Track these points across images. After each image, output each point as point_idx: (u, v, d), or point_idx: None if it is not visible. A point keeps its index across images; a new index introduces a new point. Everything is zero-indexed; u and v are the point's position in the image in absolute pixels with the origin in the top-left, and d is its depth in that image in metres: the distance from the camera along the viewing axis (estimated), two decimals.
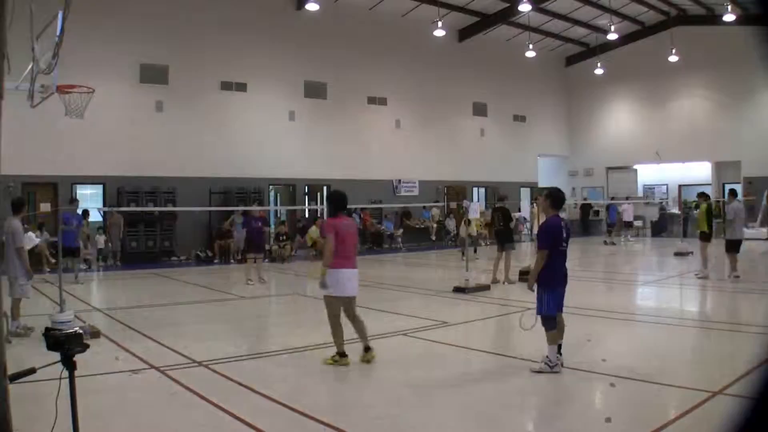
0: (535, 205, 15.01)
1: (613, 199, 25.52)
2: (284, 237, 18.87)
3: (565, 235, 5.89)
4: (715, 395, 4.89)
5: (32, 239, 8.01)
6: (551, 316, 5.78)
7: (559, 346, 5.87)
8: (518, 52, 25.80)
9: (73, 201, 13.99)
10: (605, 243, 22.51)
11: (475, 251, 18.63)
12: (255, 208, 14.17)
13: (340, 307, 6.21)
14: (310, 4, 19.53)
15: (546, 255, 5.79)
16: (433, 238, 23.91)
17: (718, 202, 25.03)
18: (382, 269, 17.25)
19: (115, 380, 5.75)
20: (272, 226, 20.38)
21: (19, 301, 7.77)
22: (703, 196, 13.57)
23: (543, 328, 5.79)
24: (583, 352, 5.91)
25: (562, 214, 6.21)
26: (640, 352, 6.77)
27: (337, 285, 6.11)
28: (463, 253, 18.26)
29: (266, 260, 17.18)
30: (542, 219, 6.72)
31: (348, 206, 6.61)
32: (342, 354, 6.16)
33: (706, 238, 12.69)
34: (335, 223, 6.18)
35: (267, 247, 18.93)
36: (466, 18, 24.87)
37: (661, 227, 26.26)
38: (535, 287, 5.88)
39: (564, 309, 5.96)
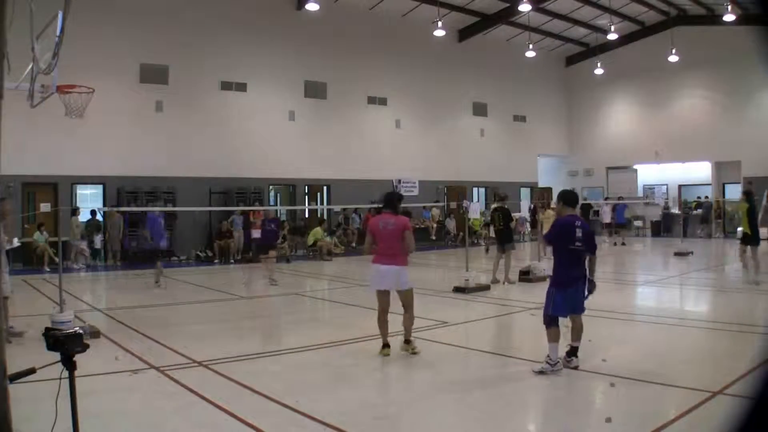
0: (533, 206, 15.00)
1: (621, 198, 25.50)
2: (283, 238, 18.88)
3: (580, 234, 5.83)
4: (715, 395, 4.89)
5: (13, 243, 7.96)
6: (552, 316, 5.76)
7: (576, 349, 5.87)
8: (518, 52, 25.80)
9: (158, 199, 14.02)
10: (615, 244, 22.36)
11: (487, 251, 18.64)
12: (269, 208, 14.34)
13: (383, 301, 6.59)
14: (310, 4, 19.52)
15: (548, 243, 5.90)
16: (433, 237, 23.90)
17: (719, 202, 25.11)
18: None
19: (115, 380, 5.75)
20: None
21: (6, 299, 7.50)
22: (746, 194, 12.13)
23: (545, 328, 5.79)
24: (583, 352, 5.91)
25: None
26: (640, 352, 6.77)
27: (370, 279, 6.74)
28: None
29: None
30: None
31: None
32: (384, 345, 6.56)
33: (746, 240, 11.73)
34: (372, 221, 6.86)
35: None
36: (466, 18, 24.87)
37: (665, 227, 26.26)
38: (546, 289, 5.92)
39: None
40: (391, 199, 6.74)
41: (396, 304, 6.67)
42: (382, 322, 6.58)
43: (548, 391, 5.38)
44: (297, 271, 15.99)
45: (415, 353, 6.50)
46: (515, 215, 16.23)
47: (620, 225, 23.43)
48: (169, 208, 17.92)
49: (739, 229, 12.43)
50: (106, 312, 9.94)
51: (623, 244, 22.18)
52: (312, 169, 21.61)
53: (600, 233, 24.87)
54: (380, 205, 6.84)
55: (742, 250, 12.01)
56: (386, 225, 6.52)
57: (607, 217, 23.87)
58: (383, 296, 6.59)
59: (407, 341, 6.60)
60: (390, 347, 6.54)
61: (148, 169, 18.24)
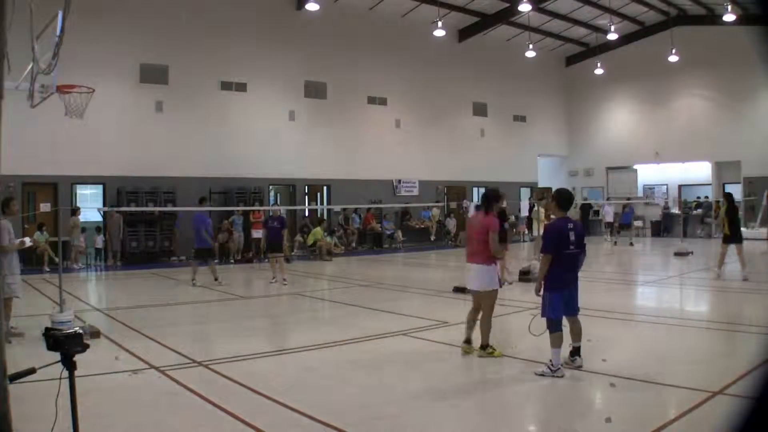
0: (536, 204, 15.00)
1: (629, 199, 25.56)
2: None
3: (573, 237, 5.77)
4: (715, 395, 4.89)
5: (25, 242, 7.98)
6: (554, 320, 5.74)
7: (578, 349, 5.86)
8: (518, 52, 25.80)
9: (203, 200, 14.25)
10: (615, 244, 22.48)
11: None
12: (272, 207, 14.43)
13: (473, 299, 6.60)
14: (310, 4, 19.52)
15: (549, 259, 5.74)
16: (433, 238, 23.92)
17: (718, 202, 25.11)
18: (382, 269, 17.26)
19: (115, 380, 5.75)
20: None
21: (10, 300, 7.48)
22: (726, 196, 12.97)
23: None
24: (583, 352, 5.90)
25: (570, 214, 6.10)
26: (640, 352, 6.76)
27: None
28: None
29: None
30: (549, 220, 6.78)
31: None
32: (465, 340, 6.58)
33: (726, 240, 12.31)
34: (469, 218, 6.84)
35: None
36: (466, 18, 24.87)
37: (665, 227, 26.28)
38: (542, 291, 5.86)
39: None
40: (485, 198, 6.70)
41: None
42: (468, 320, 6.60)
43: (548, 391, 5.37)
44: (297, 271, 15.99)
45: (493, 356, 6.33)
46: (511, 217, 16.16)
47: (625, 225, 23.51)
48: (169, 208, 17.92)
49: (743, 228, 12.86)
50: (106, 312, 9.95)
51: (631, 244, 22.20)
52: (312, 169, 21.61)
53: (603, 233, 24.99)
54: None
55: (724, 250, 12.38)
56: (473, 223, 6.59)
57: (609, 216, 23.97)
58: (474, 295, 6.59)
59: (483, 346, 6.42)
60: (470, 344, 6.50)
61: (148, 169, 18.23)
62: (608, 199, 27.25)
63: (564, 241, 5.76)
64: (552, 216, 6.16)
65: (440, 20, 21.12)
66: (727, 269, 12.57)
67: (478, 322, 6.50)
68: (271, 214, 14.17)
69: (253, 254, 18.95)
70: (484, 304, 6.42)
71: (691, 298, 11.56)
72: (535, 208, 15.12)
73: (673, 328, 8.01)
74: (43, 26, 6.98)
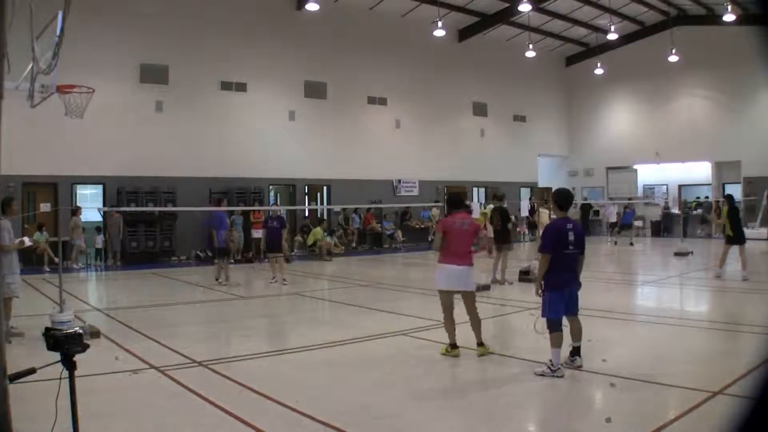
0: (537, 206, 15.04)
1: (630, 200, 25.57)
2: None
3: (572, 237, 5.78)
4: (715, 395, 4.89)
5: (25, 242, 7.98)
6: (554, 320, 5.74)
7: (578, 349, 5.86)
8: (518, 52, 25.80)
9: (221, 201, 14.31)
10: (615, 243, 22.57)
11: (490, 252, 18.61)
12: (272, 207, 14.50)
13: (450, 300, 6.56)
14: (310, 4, 19.52)
15: (548, 258, 5.75)
16: (432, 238, 23.89)
17: (718, 202, 25.12)
18: (382, 269, 17.26)
19: (115, 380, 5.75)
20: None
21: (10, 300, 7.47)
22: (727, 198, 13.20)
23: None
24: (583, 352, 5.91)
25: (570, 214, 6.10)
26: (640, 353, 6.77)
27: (439, 279, 6.61)
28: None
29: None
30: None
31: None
32: (453, 345, 6.52)
33: (730, 240, 12.42)
34: (445, 221, 6.81)
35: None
36: (466, 18, 24.87)
37: (665, 227, 26.29)
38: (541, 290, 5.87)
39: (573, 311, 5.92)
40: (463, 200, 6.85)
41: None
42: (451, 323, 6.54)
43: (548, 391, 5.37)
44: (297, 271, 15.99)
45: (491, 352, 6.44)
46: (513, 216, 16.15)
47: (626, 225, 23.50)
48: (169, 208, 17.92)
49: (743, 228, 13.06)
50: (106, 312, 9.95)
51: (631, 244, 22.23)
52: (312, 169, 21.61)
53: (608, 233, 25.00)
54: (447, 205, 6.91)
55: (726, 250, 12.50)
56: (462, 225, 6.51)
57: (612, 216, 24.01)
58: (450, 296, 6.58)
59: (481, 344, 6.49)
60: (459, 348, 6.50)
61: (148, 169, 18.23)
62: (611, 199, 27.23)
63: (563, 241, 5.77)
64: (553, 217, 6.18)
65: (440, 20, 21.11)
66: (727, 269, 12.58)
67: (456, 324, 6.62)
68: (270, 214, 14.16)
69: (253, 254, 18.95)
70: (470, 302, 6.58)
71: (691, 298, 11.56)
72: (537, 210, 15.17)
73: (673, 328, 8.00)
74: (43, 26, 6.98)
